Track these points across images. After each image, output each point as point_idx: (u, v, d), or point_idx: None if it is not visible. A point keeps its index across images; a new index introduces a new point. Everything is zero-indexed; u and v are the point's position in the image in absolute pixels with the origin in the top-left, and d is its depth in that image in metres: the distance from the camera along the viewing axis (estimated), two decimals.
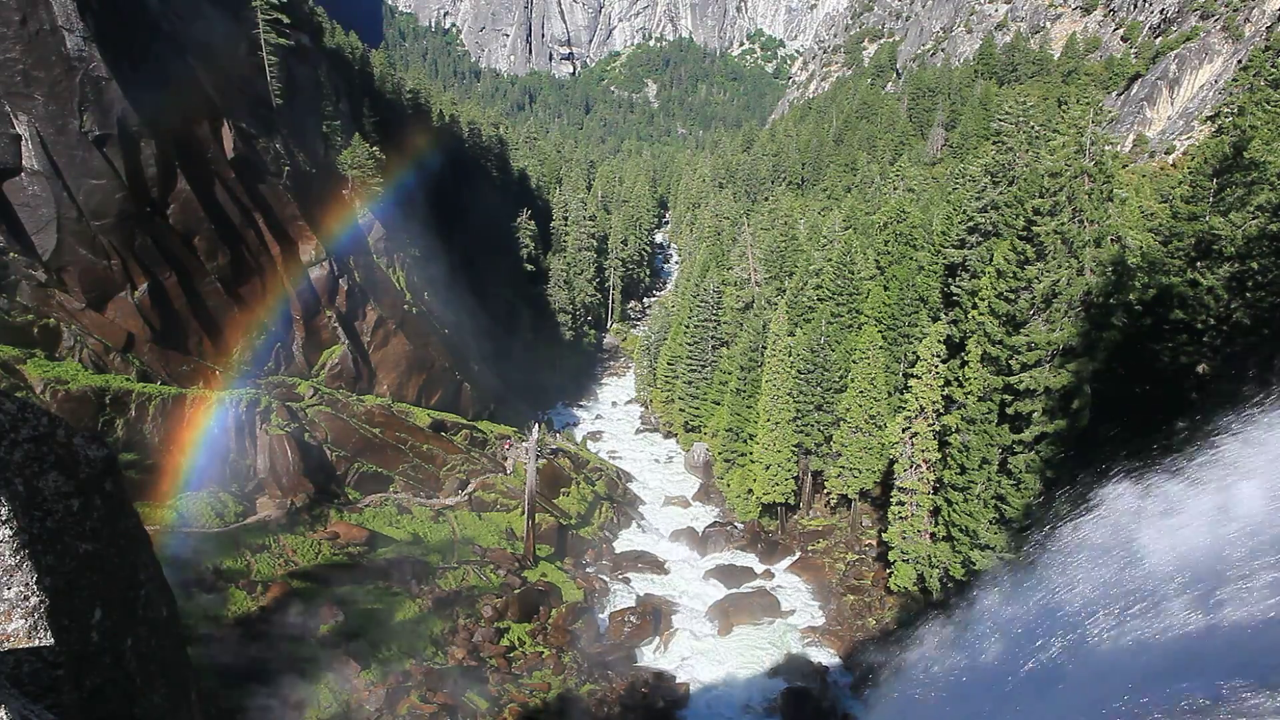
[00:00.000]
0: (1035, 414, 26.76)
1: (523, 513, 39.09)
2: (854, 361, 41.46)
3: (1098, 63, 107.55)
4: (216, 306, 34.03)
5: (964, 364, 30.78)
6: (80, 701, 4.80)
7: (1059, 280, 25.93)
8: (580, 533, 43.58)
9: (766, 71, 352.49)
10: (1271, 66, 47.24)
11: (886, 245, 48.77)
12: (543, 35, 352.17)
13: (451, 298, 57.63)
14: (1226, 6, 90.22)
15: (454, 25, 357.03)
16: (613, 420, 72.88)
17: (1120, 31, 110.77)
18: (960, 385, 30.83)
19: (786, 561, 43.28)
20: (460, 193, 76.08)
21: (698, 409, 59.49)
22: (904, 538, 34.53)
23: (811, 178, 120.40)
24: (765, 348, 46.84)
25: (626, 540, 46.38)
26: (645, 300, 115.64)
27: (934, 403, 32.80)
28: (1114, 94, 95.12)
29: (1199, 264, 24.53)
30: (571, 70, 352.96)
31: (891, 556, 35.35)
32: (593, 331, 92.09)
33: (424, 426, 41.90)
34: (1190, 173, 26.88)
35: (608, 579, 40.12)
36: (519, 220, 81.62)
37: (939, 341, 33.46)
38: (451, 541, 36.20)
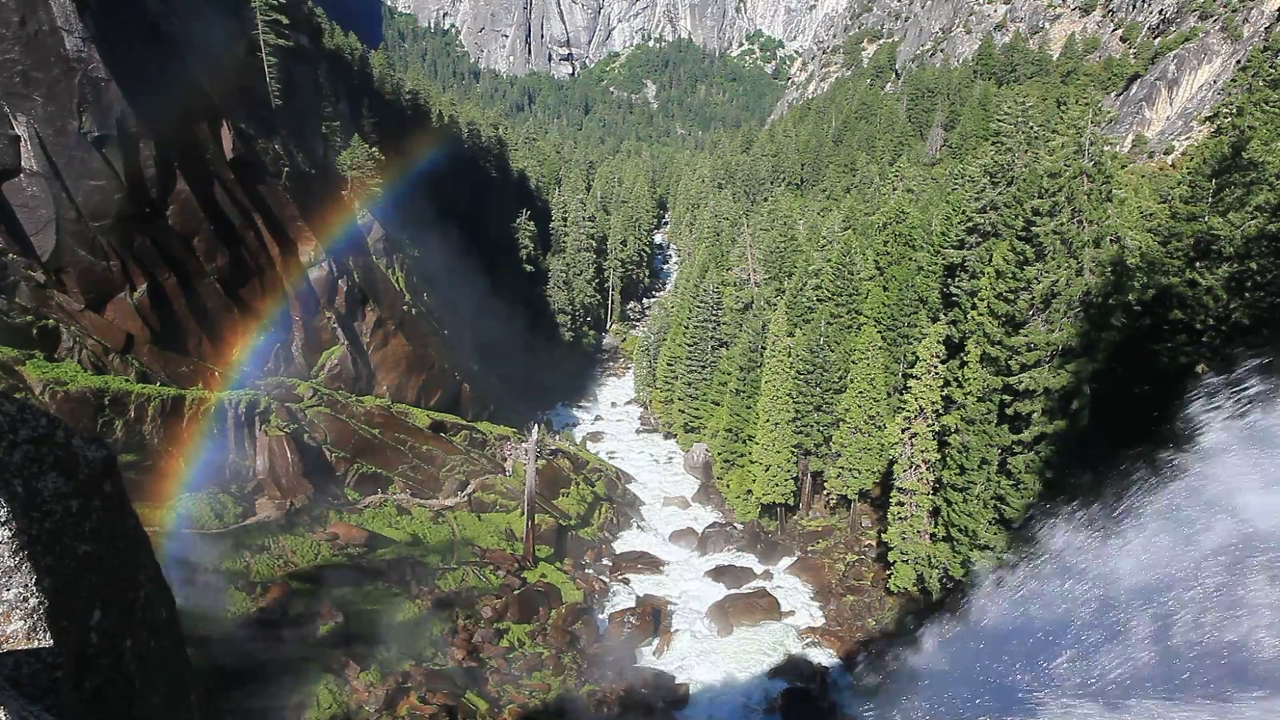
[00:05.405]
0: (1035, 414, 26.79)
1: (522, 513, 39.07)
2: (853, 362, 41.46)
3: (1097, 63, 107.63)
4: (216, 307, 33.98)
5: (963, 364, 30.81)
6: (79, 703, 4.79)
7: (1058, 281, 25.96)
8: (580, 533, 43.55)
9: (766, 72, 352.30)
10: (1270, 67, 47.36)
11: (886, 246, 48.82)
12: (542, 36, 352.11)
13: (451, 298, 57.62)
14: (1225, 7, 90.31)
15: (453, 26, 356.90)
16: (612, 421, 72.86)
17: (1119, 32, 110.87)
18: (960, 386, 30.85)
19: (786, 562, 43.26)
20: (459, 193, 76.13)
21: (697, 409, 59.47)
22: (904, 538, 34.54)
23: (811, 178, 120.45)
24: (765, 348, 46.83)
25: (626, 541, 46.35)
26: (645, 300, 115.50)
27: (933, 403, 32.82)
28: (1113, 94, 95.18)
29: (1198, 264, 24.52)
30: (571, 71, 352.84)
31: (891, 557, 35.35)
32: (592, 332, 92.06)
33: (423, 427, 41.87)
34: (1189, 173, 26.88)
35: (607, 580, 40.11)
36: (518, 221, 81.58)
37: (938, 342, 33.49)
38: (451, 542, 36.17)
